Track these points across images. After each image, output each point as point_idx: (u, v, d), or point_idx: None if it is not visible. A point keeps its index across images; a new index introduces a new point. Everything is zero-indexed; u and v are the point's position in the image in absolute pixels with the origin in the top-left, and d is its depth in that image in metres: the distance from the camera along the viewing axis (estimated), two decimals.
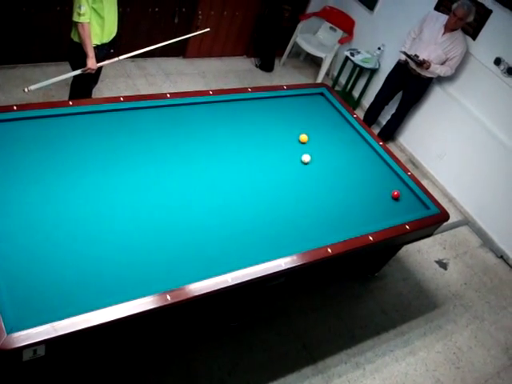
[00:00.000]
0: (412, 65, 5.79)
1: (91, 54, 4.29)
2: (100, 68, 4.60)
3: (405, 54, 5.77)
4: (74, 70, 4.45)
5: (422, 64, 5.62)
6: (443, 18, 5.56)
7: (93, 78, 4.64)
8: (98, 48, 4.40)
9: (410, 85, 6.00)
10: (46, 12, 5.28)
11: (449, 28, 5.50)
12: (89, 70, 4.36)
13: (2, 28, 5.18)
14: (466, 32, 5.59)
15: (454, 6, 5.37)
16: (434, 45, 5.60)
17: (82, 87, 4.66)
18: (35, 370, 2.82)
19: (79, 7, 4.06)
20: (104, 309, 2.71)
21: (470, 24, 5.55)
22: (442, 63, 5.65)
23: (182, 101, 4.27)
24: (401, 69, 5.98)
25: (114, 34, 4.56)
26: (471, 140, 5.84)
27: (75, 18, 4.13)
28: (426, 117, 6.30)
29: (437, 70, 5.65)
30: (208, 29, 5.27)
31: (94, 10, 4.20)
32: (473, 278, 5.31)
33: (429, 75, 5.81)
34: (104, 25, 4.34)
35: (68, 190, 3.29)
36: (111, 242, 3.10)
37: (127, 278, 2.94)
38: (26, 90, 4.18)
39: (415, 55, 5.67)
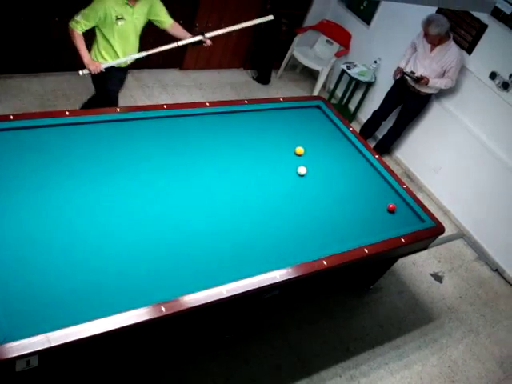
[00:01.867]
0: (410, 82, 5.81)
1: (85, 59, 4.30)
2: (123, 76, 4.67)
3: (402, 72, 5.81)
4: (93, 81, 4.53)
5: (420, 80, 5.64)
6: None
7: (113, 83, 4.65)
8: (114, 68, 4.45)
9: (408, 101, 6.02)
10: (45, 22, 5.29)
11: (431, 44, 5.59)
12: (93, 71, 4.35)
13: None
14: (461, 47, 5.62)
15: None
16: (427, 59, 5.64)
17: (103, 93, 4.68)
18: (28, 381, 2.80)
19: (77, 15, 4.14)
20: (98, 320, 2.70)
21: (466, 38, 5.59)
22: (442, 76, 5.68)
23: (179, 112, 4.28)
24: (400, 85, 5.99)
25: (129, 63, 4.61)
26: (466, 154, 5.86)
27: (70, 23, 4.19)
28: (422, 131, 6.32)
29: (436, 83, 5.66)
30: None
31: (102, 32, 4.27)
32: (468, 291, 5.32)
33: (429, 91, 5.82)
34: (112, 51, 4.38)
35: (64, 200, 3.29)
36: (106, 252, 3.10)
37: (122, 289, 2.93)
38: (80, 73, 4.33)
39: (411, 72, 5.71)
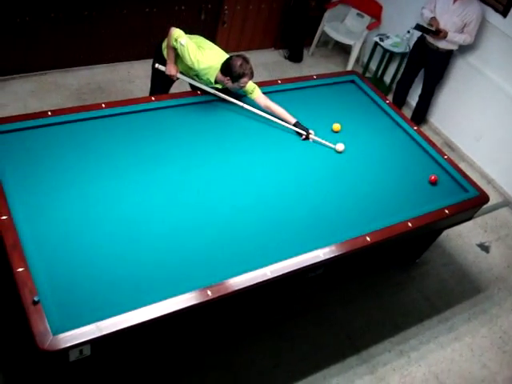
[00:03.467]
0: (429, 39, 5.73)
1: (169, 61, 4.24)
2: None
3: (418, 26, 5.69)
4: (153, 72, 4.50)
5: (438, 33, 5.54)
6: None
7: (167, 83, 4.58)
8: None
9: (430, 60, 5.95)
10: (75, 17, 5.34)
11: None
12: (168, 73, 4.31)
13: (31, 36, 5.27)
14: (496, 10, 5.48)
15: None
16: (447, 13, 5.55)
17: (155, 85, 4.65)
18: (82, 369, 2.87)
19: (182, 40, 4.01)
20: (146, 307, 2.75)
21: (501, 1, 5.44)
22: (461, 32, 5.58)
23: (214, 97, 4.28)
24: (420, 45, 5.94)
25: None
26: (508, 119, 5.71)
27: (173, 36, 4.04)
28: (458, 98, 6.18)
29: (455, 37, 5.57)
30: None
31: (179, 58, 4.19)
32: None
33: (448, 47, 5.73)
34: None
35: (107, 192, 3.34)
36: (151, 242, 3.14)
37: (167, 276, 2.97)
38: (156, 65, 4.33)
39: (429, 24, 5.59)
